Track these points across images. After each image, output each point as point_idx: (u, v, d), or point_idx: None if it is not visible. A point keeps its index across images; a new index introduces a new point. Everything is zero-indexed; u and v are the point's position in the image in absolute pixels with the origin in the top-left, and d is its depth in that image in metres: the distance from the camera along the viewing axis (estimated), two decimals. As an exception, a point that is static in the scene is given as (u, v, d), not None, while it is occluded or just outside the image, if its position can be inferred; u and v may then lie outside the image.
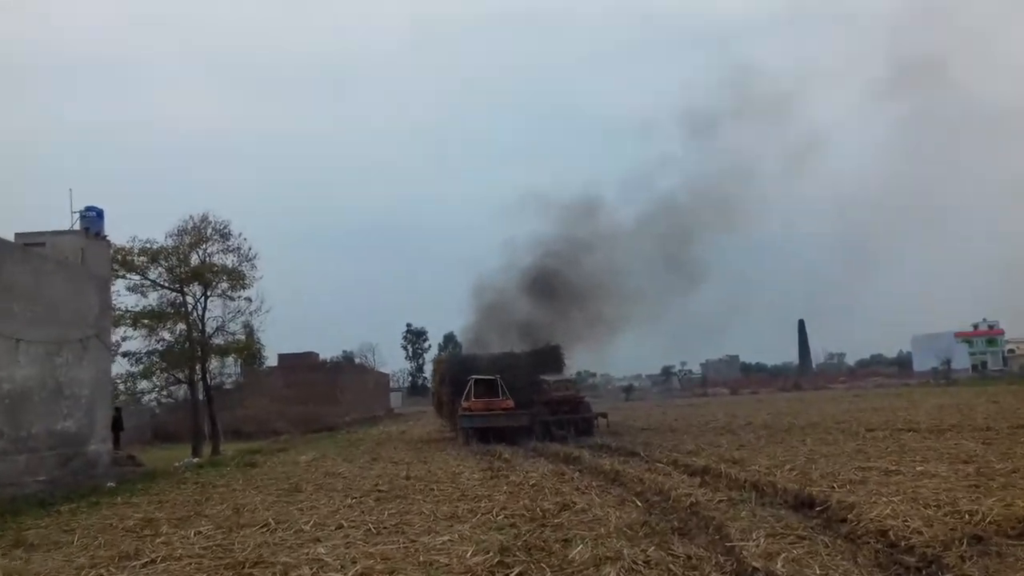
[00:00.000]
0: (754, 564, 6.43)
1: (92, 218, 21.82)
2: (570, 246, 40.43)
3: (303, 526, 9.68)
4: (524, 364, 30.59)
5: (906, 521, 7.71)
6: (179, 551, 8.44)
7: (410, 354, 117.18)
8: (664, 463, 16.08)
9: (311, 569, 6.97)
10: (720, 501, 10.05)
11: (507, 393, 27.70)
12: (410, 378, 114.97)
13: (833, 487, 10.96)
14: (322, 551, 7.86)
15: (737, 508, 9.56)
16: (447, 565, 7.00)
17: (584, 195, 45.99)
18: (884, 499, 9.22)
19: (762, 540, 7.31)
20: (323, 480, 16.45)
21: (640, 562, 6.82)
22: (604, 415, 29.25)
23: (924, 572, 6.23)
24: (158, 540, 9.24)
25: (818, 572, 6.17)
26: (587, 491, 12.27)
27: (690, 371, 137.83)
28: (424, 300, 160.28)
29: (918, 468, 12.76)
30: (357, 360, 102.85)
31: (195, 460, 24.69)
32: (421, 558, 7.29)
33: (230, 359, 37.45)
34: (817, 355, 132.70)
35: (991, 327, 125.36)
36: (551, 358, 31.94)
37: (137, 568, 7.78)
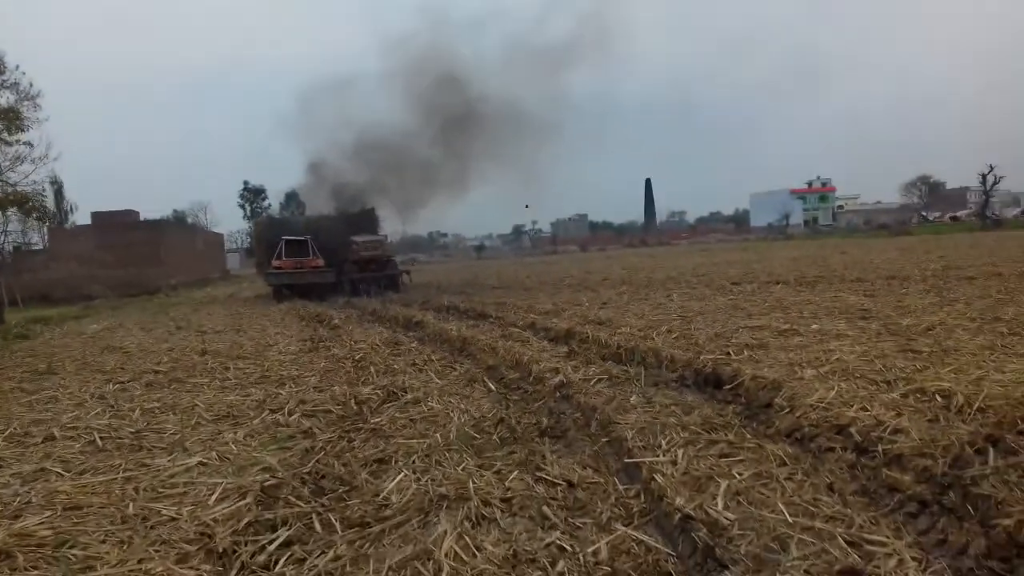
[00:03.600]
0: (680, 503, 3.88)
1: None
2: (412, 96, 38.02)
3: (-9, 440, 6.45)
4: (338, 226, 31.95)
5: (866, 409, 5.43)
6: None
7: (248, 213, 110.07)
8: (520, 327, 13.60)
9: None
10: (599, 380, 7.55)
11: (317, 253, 29.39)
12: (248, 238, 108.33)
13: (729, 354, 8.75)
14: (-27, 496, 4.75)
15: (623, 389, 7.09)
16: (171, 522, 4.09)
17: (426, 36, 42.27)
18: (810, 371, 7.01)
19: (678, 453, 4.78)
20: (96, 357, 13.01)
21: (496, 502, 4.16)
22: (407, 272, 32.00)
23: (943, 501, 3.87)
24: None
25: (788, 518, 3.67)
26: (425, 367, 9.56)
27: (540, 230, 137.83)
28: (264, 157, 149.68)
29: (813, 326, 10.81)
30: (190, 219, 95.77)
31: (-45, 334, 20.30)
32: (131, 508, 4.33)
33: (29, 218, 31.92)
34: (660, 213, 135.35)
35: (824, 184, 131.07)
36: (366, 220, 33.76)
37: None
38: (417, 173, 37.84)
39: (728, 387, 7.00)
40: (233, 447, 5.61)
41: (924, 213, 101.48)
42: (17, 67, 27.00)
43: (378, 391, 7.68)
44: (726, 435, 5.21)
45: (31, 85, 27.16)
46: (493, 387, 7.87)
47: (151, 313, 25.81)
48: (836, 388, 6.20)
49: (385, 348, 11.64)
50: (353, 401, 7.17)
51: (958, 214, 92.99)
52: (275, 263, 29.19)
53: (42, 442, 6.25)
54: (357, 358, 10.72)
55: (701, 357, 8.28)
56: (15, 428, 6.72)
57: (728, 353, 8.77)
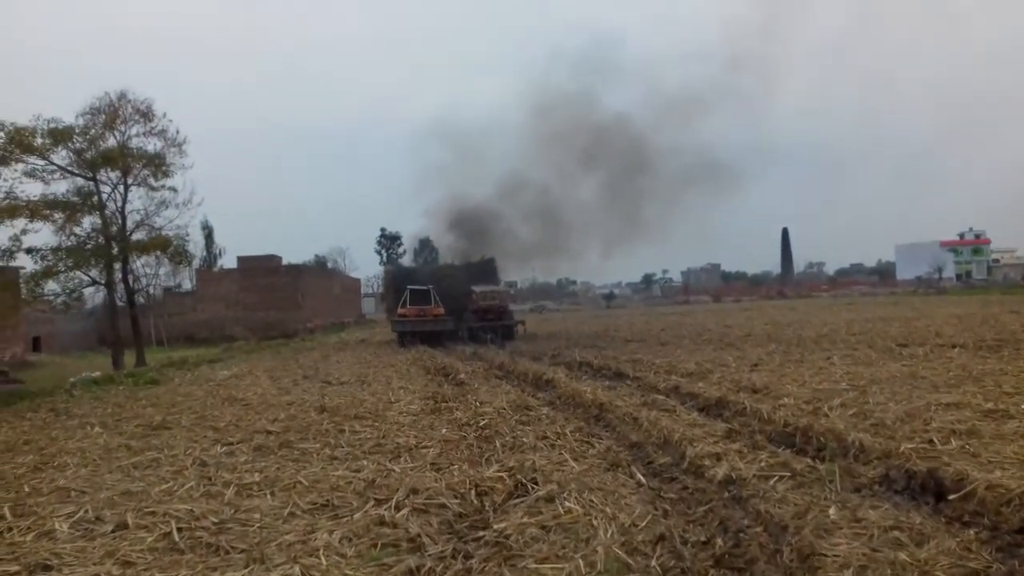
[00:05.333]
0: None
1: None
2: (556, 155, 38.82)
3: (54, 523, 5.57)
4: (460, 275, 33.84)
5: None
6: None
7: (384, 259, 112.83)
8: (662, 391, 12.15)
9: None
10: (779, 477, 6.05)
11: (439, 302, 30.63)
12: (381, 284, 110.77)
13: (933, 442, 7.09)
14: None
15: (813, 494, 5.57)
16: None
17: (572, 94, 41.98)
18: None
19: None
20: (215, 409, 12.45)
21: None
22: (522, 322, 33.31)
23: None
24: None
25: None
26: (558, 442, 8.25)
27: (671, 279, 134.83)
28: (401, 204, 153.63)
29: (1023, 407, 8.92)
30: (329, 264, 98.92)
31: (93, 375, 20.60)
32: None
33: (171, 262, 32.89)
34: (797, 264, 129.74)
35: (977, 236, 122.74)
36: (486, 270, 35.32)
37: None
38: (568, 220, 38.38)
39: (954, 497, 5.37)
40: (322, 559, 4.48)
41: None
42: (164, 114, 27.89)
43: (504, 475, 6.43)
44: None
45: (178, 132, 27.98)
46: (642, 478, 6.48)
47: (283, 358, 25.76)
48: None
49: (513, 414, 10.42)
50: (474, 492, 5.93)
51: None
52: (400, 311, 30.68)
53: (112, 531, 5.33)
54: (481, 425, 9.55)
55: (902, 448, 6.66)
56: (87, 511, 5.84)
57: (931, 442, 7.13)
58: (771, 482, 5.89)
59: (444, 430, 9.43)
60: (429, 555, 4.57)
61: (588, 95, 40.39)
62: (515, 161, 40.46)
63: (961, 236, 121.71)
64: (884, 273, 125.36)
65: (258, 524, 5.35)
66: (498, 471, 6.63)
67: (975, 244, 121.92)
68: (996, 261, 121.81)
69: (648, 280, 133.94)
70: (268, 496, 6.23)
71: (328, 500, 5.92)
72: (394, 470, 7.12)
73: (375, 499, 5.87)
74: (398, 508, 5.56)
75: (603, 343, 25.50)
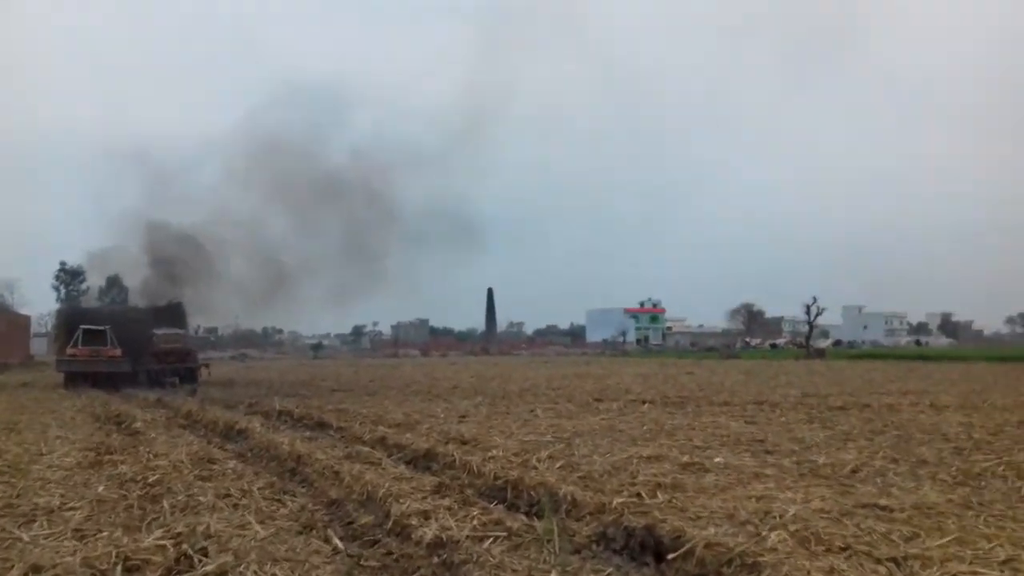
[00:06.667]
0: None
1: None
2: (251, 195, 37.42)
3: None
4: (146, 319, 32.68)
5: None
6: None
7: (63, 296, 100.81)
8: (368, 442, 11.29)
9: None
10: (494, 538, 5.40)
11: (115, 343, 29.29)
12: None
13: (640, 495, 6.95)
14: None
15: (531, 556, 4.98)
16: None
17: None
18: (772, 534, 5.20)
19: None
20: None
21: None
22: (207, 365, 33.03)
23: None
24: None
25: None
26: (243, 501, 7.04)
27: (380, 332, 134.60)
28: (87, 236, 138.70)
29: (717, 459, 9.30)
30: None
31: None
32: None
33: None
34: (500, 323, 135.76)
35: (655, 305, 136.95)
36: (174, 314, 34.62)
37: None
38: (288, 266, 36.86)
39: (673, 556, 5.05)
40: None
41: (747, 339, 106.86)
42: None
43: (167, 543, 5.17)
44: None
45: None
46: (339, 542, 5.54)
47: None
48: (834, 569, 4.41)
49: (192, 467, 8.95)
50: (120, 568, 4.64)
51: (777, 342, 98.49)
52: (69, 351, 29.17)
53: None
54: (150, 481, 8.03)
55: (614, 503, 6.36)
56: None
57: (639, 495, 6.97)
58: (485, 544, 5.23)
59: (101, 488, 7.78)
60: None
61: (314, 141, 39.29)
62: (228, 201, 37.59)
63: (642, 304, 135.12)
64: (576, 335, 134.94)
65: None
66: (160, 538, 5.34)
67: (653, 312, 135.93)
68: (669, 328, 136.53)
69: (358, 332, 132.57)
70: None
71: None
72: (22, 539, 5.55)
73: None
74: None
75: (307, 392, 24.14)
